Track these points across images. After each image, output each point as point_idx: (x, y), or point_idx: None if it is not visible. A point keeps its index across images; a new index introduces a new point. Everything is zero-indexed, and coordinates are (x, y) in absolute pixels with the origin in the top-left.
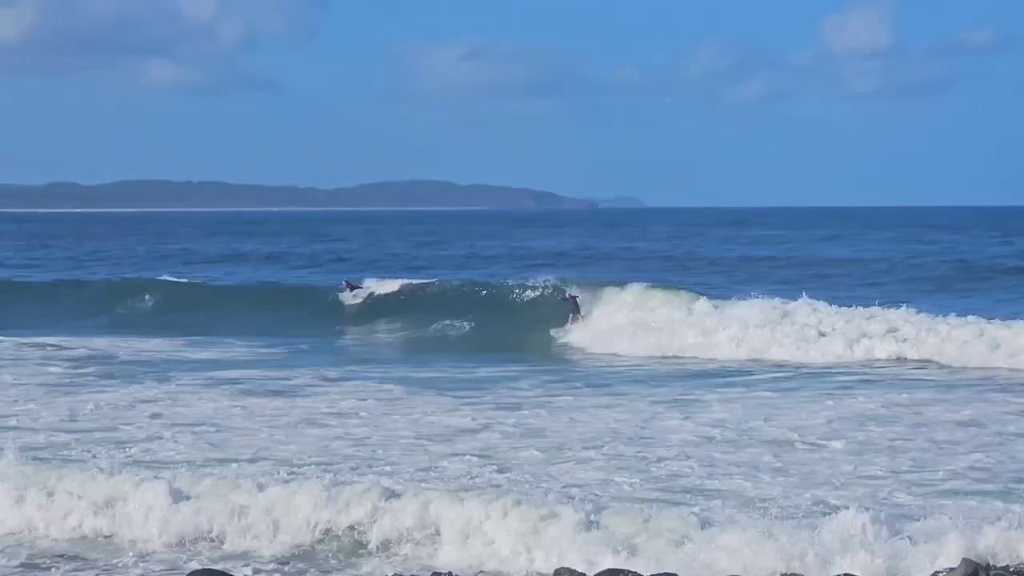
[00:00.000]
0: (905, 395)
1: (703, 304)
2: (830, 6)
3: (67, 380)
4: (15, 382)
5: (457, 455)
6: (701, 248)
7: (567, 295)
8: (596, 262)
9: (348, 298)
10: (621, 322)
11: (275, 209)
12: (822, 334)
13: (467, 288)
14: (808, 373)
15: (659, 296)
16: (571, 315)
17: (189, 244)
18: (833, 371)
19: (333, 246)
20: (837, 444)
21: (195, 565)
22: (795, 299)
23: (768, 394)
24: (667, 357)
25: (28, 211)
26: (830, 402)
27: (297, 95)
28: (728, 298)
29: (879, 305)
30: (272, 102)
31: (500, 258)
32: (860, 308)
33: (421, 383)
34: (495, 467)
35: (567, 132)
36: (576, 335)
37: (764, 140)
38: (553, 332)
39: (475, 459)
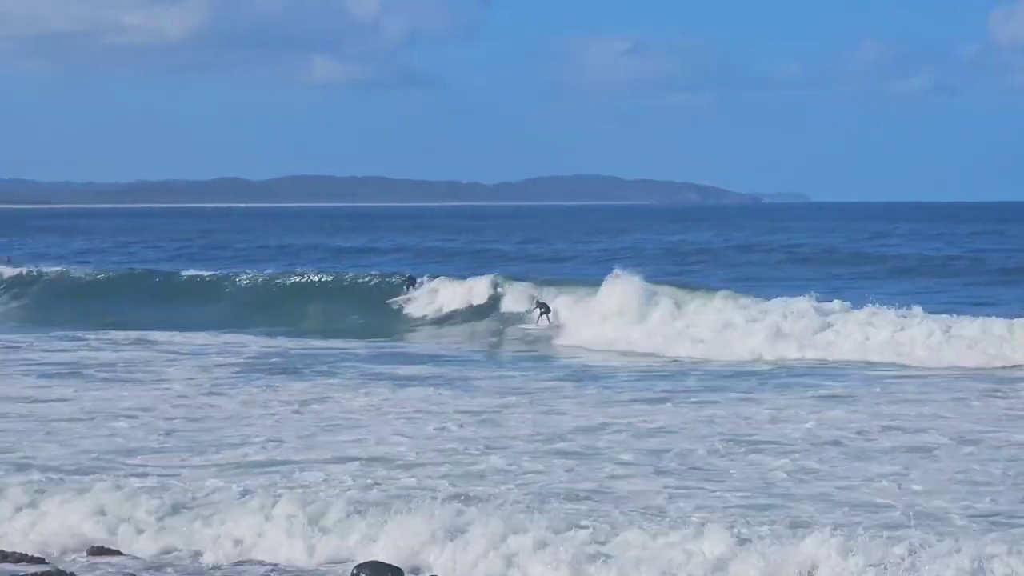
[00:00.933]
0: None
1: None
2: None
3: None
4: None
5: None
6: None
7: (536, 301)
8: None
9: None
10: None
11: (438, 204)
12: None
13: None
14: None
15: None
16: (538, 319)
17: (318, 239)
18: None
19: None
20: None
21: None
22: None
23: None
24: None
25: (195, 206)
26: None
27: (460, 90)
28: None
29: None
30: (435, 97)
31: (580, 256)
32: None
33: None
34: None
35: (730, 127)
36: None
37: (930, 134)
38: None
39: None
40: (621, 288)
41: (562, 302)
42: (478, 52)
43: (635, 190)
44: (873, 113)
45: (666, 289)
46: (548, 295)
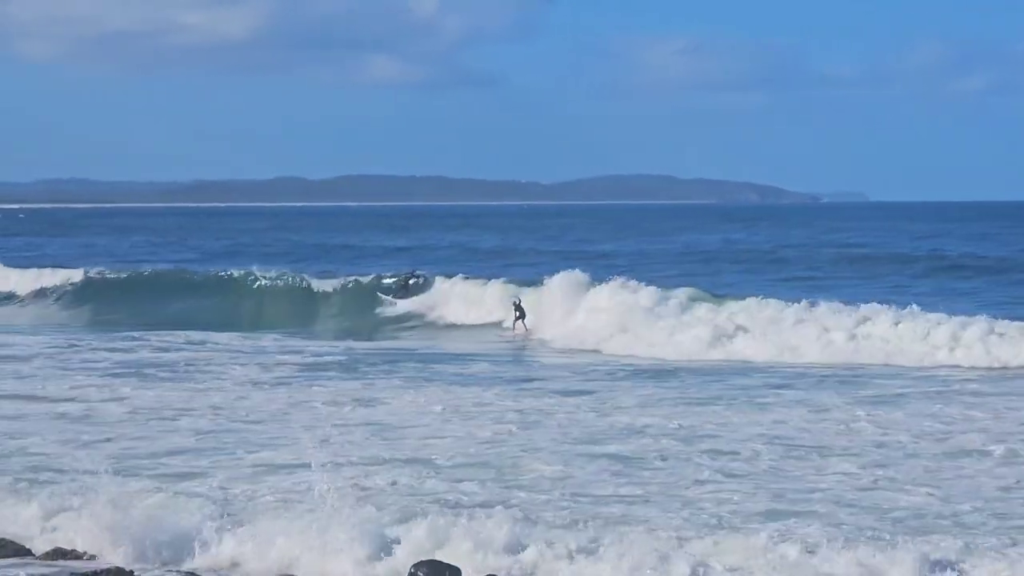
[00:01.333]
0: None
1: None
2: None
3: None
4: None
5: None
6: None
7: (514, 304)
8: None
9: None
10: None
11: (496, 203)
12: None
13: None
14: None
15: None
16: (514, 323)
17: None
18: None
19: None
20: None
21: None
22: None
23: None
24: None
25: (256, 205)
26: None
27: (519, 89)
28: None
29: None
30: (494, 97)
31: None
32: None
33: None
34: None
35: (789, 125)
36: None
37: (988, 133)
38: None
39: None
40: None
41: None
42: (536, 51)
43: (692, 189)
44: (931, 112)
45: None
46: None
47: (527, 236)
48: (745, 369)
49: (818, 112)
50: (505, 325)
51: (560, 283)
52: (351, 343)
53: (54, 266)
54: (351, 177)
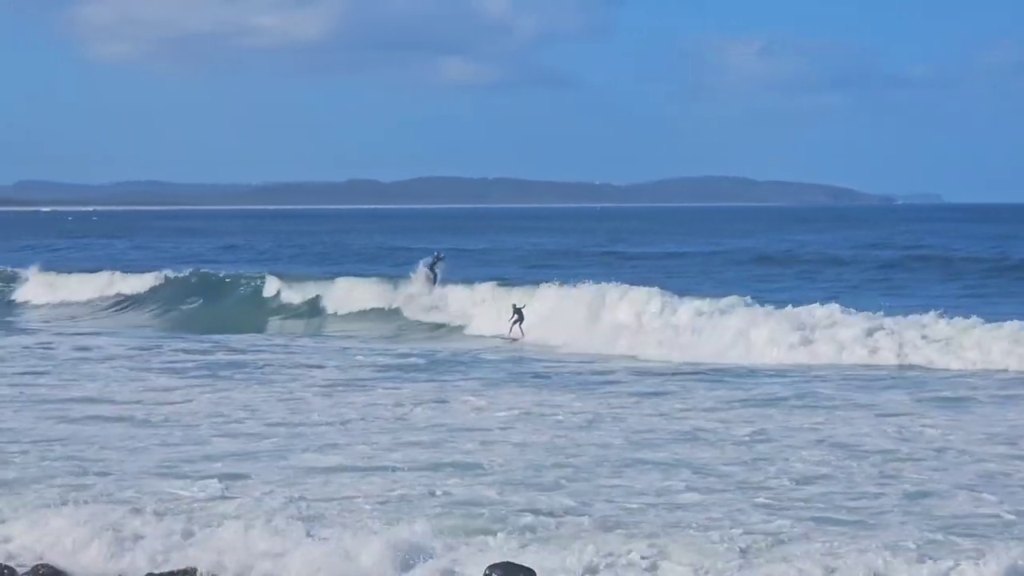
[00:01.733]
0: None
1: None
2: None
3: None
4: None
5: None
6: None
7: (513, 307)
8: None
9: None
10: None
11: (570, 205)
12: None
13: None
14: None
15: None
16: (511, 328)
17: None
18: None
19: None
20: None
21: None
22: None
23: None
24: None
25: (328, 207)
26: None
27: (592, 91)
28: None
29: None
30: (567, 98)
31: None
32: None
33: None
34: None
35: (863, 127)
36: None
37: None
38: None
39: None
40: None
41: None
42: (610, 52)
43: (766, 191)
44: (1007, 112)
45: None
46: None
47: (598, 239)
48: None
49: (894, 113)
50: (500, 328)
51: (595, 291)
52: (432, 345)
53: (126, 270)
54: (423, 179)
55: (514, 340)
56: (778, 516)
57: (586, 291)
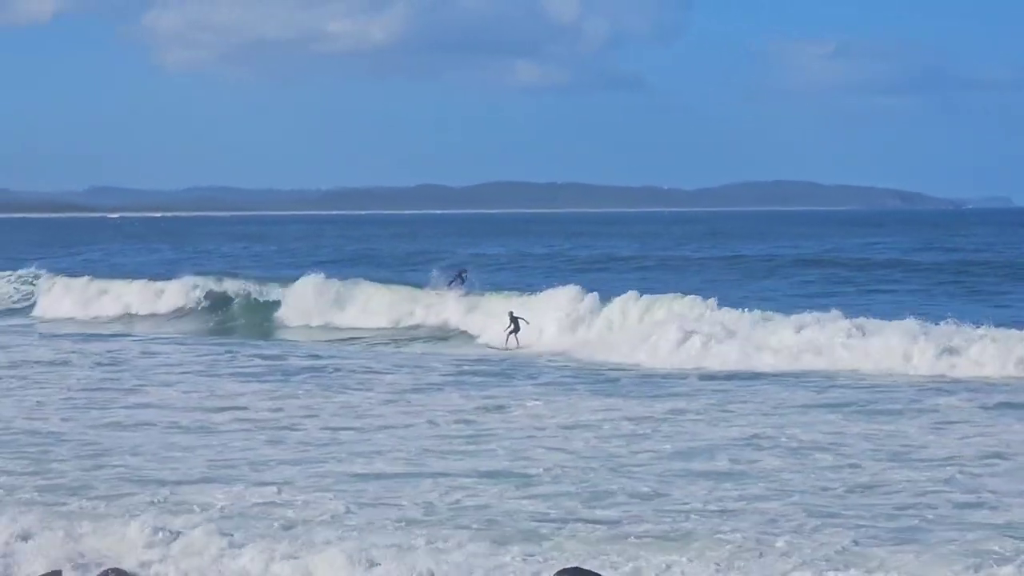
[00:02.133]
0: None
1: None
2: None
3: None
4: None
5: None
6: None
7: (510, 315)
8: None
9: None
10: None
11: (638, 210)
12: None
13: None
14: None
15: None
16: (507, 337)
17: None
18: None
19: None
20: None
21: None
22: None
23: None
24: None
25: (396, 212)
26: None
27: (661, 94)
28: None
29: None
30: (636, 102)
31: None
32: None
33: None
34: None
35: (934, 130)
36: None
37: None
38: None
39: None
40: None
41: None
42: (679, 54)
43: (834, 195)
44: None
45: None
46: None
47: (665, 242)
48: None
49: (964, 116)
50: (497, 337)
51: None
52: (501, 354)
53: (194, 273)
54: (492, 184)
55: (510, 350)
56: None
57: (669, 304)
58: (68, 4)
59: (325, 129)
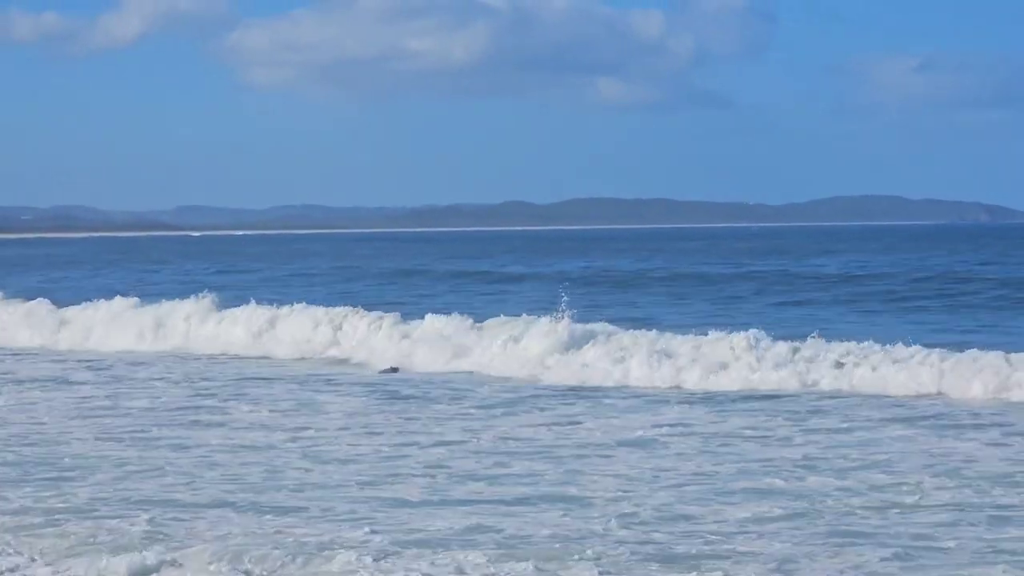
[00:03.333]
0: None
1: None
2: None
3: None
4: None
5: None
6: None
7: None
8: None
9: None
10: None
11: (725, 225)
12: None
13: None
14: None
15: None
16: None
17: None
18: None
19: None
20: None
21: None
22: None
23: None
24: None
25: (479, 229)
26: None
27: (747, 110)
28: None
29: None
30: (722, 118)
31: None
32: None
33: None
34: None
35: (1021, 144)
36: None
37: None
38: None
39: None
40: None
41: None
42: (764, 70)
43: (921, 209)
44: None
45: None
46: None
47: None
48: None
49: None
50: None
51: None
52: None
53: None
54: (577, 201)
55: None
56: None
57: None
58: (153, 26)
59: (410, 147)
